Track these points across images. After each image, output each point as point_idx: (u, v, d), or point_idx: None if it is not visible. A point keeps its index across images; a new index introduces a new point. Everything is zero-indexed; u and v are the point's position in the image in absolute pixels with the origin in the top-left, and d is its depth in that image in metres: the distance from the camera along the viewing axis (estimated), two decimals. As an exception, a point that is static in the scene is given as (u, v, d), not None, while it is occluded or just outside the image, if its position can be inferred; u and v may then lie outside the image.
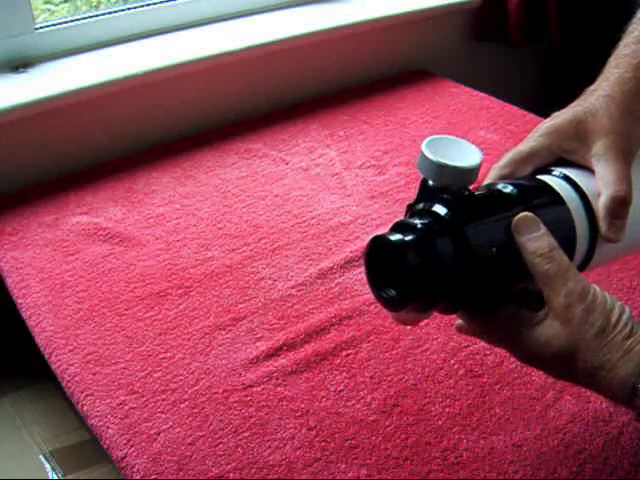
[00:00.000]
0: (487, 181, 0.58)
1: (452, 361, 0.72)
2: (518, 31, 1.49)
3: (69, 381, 0.72)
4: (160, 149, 1.15)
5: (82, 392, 0.70)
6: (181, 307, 0.81)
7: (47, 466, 1.08)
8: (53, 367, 0.75)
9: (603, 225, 0.53)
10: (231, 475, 0.61)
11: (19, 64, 1.10)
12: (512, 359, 0.73)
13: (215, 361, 0.73)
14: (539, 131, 0.59)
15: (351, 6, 1.36)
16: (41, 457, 1.10)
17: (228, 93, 1.25)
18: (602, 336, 0.46)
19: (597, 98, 0.59)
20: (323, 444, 0.64)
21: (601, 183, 0.54)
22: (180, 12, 1.25)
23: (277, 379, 0.71)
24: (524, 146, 0.58)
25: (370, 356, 0.74)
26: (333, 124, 1.22)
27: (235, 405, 0.68)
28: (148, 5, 1.23)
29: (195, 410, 0.68)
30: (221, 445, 0.64)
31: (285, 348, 0.75)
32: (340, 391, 0.69)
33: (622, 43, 0.63)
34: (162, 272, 0.86)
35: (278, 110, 1.27)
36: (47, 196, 1.03)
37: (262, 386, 0.70)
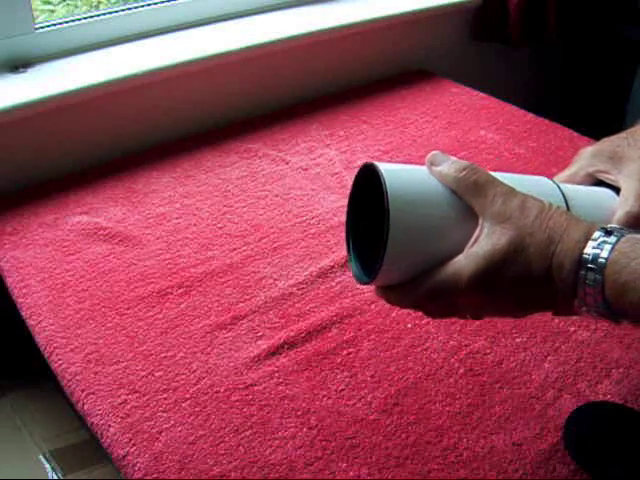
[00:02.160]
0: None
1: (452, 360, 0.73)
2: (518, 31, 1.49)
3: (70, 380, 0.72)
4: (160, 149, 1.15)
5: (83, 391, 0.70)
6: (182, 306, 0.81)
7: (47, 466, 1.09)
8: (53, 367, 0.75)
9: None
10: (232, 474, 0.61)
11: (19, 64, 1.10)
12: (512, 358, 0.73)
13: (216, 360, 0.73)
14: (577, 156, 0.65)
15: (351, 6, 1.36)
16: (41, 457, 1.10)
17: (228, 93, 1.25)
18: (542, 215, 0.49)
19: (632, 135, 0.64)
20: (324, 443, 0.64)
21: (621, 199, 0.61)
22: (180, 12, 1.25)
23: (278, 378, 0.71)
24: (566, 171, 0.65)
25: (371, 355, 0.74)
26: (333, 124, 1.22)
27: (236, 404, 0.68)
28: (148, 5, 1.23)
29: (196, 409, 0.68)
30: (222, 444, 0.64)
31: (286, 347, 0.75)
32: (341, 390, 0.70)
33: None
34: (163, 271, 0.86)
35: (278, 110, 1.27)
36: (47, 196, 1.03)
37: (263, 385, 0.70)
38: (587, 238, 0.48)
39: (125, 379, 0.71)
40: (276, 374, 0.71)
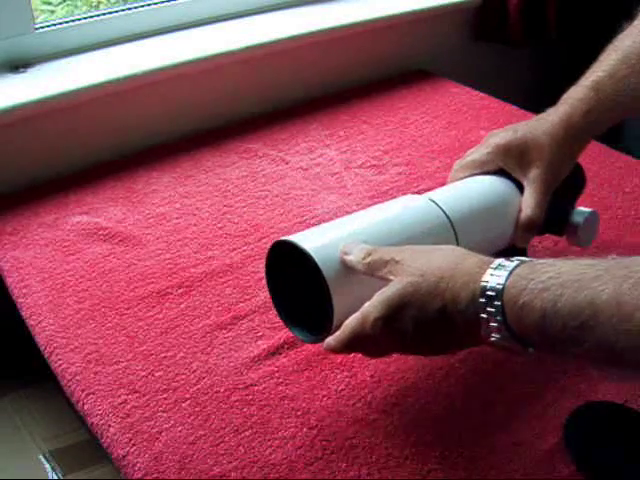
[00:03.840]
0: (450, 180, 0.76)
1: (452, 360, 0.72)
2: (518, 31, 1.49)
3: (70, 380, 0.72)
4: (160, 149, 1.15)
5: (83, 391, 0.70)
6: (182, 306, 0.81)
7: (47, 466, 1.08)
8: (53, 367, 0.75)
9: (519, 233, 0.71)
10: (232, 474, 0.61)
11: (19, 64, 1.10)
12: (513, 359, 0.73)
13: (216, 360, 0.73)
14: (489, 147, 0.74)
15: (351, 6, 1.36)
16: (41, 457, 1.10)
17: (228, 93, 1.25)
18: (433, 257, 0.55)
19: (544, 132, 0.72)
20: (324, 443, 0.64)
21: (525, 204, 0.70)
22: (180, 12, 1.25)
23: (278, 378, 0.71)
24: (476, 156, 0.74)
25: (371, 355, 0.74)
26: (333, 124, 1.22)
27: (236, 404, 0.68)
28: (148, 5, 1.23)
29: (196, 409, 0.68)
30: (222, 444, 0.64)
31: (286, 347, 0.75)
32: (341, 390, 0.70)
33: (585, 78, 0.74)
34: (163, 271, 0.86)
35: (278, 110, 1.27)
36: (47, 196, 1.03)
37: (263, 385, 0.70)
38: (483, 268, 0.51)
39: (125, 379, 0.71)
40: (276, 374, 0.71)
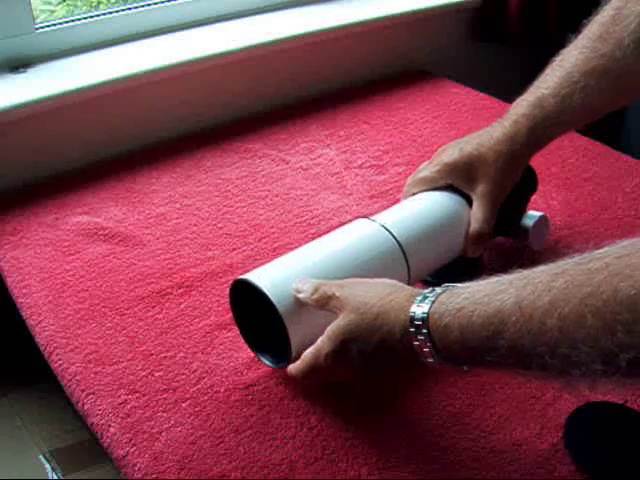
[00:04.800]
0: (404, 195, 0.82)
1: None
2: (518, 31, 1.49)
3: (70, 380, 0.72)
4: (160, 149, 1.15)
5: (83, 391, 0.70)
6: (182, 306, 0.81)
7: (47, 466, 1.09)
8: (53, 367, 0.75)
9: (468, 245, 0.76)
10: (232, 474, 0.61)
11: (19, 64, 1.10)
12: (512, 358, 0.73)
13: (216, 360, 0.73)
14: (437, 165, 0.78)
15: (351, 6, 1.36)
16: (41, 457, 1.10)
17: (228, 93, 1.25)
18: (369, 294, 0.60)
19: (489, 149, 0.76)
20: (324, 443, 0.64)
21: (473, 218, 0.76)
22: (180, 12, 1.25)
23: (278, 378, 0.71)
24: (427, 174, 0.79)
25: (371, 355, 0.74)
26: (333, 124, 1.22)
27: (236, 404, 0.68)
28: (148, 5, 1.23)
29: (197, 409, 0.68)
30: (222, 444, 0.64)
31: (286, 347, 0.75)
32: (341, 390, 0.69)
33: (531, 92, 0.78)
34: (163, 271, 0.86)
35: (278, 110, 1.27)
36: (47, 196, 1.03)
37: (263, 385, 0.70)
38: (410, 300, 0.56)
39: (125, 379, 0.71)
40: (276, 374, 0.71)
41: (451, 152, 0.78)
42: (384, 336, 0.57)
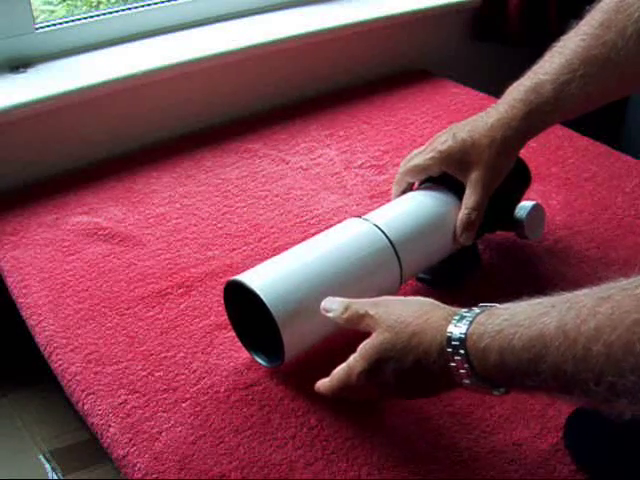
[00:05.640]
0: (396, 182, 0.82)
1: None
2: (518, 31, 1.49)
3: (70, 380, 0.72)
4: (160, 149, 1.15)
5: (83, 391, 0.70)
6: (182, 306, 0.81)
7: (47, 466, 1.09)
8: (53, 367, 0.75)
9: (458, 231, 0.76)
10: (232, 474, 0.61)
11: (19, 64, 1.10)
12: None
13: (216, 360, 0.73)
14: (431, 152, 0.78)
15: (351, 6, 1.36)
16: (41, 457, 1.10)
17: (228, 93, 1.25)
18: (405, 314, 0.59)
19: (483, 135, 0.75)
20: (324, 443, 0.64)
21: (464, 203, 0.75)
22: (180, 12, 1.25)
23: (278, 378, 0.71)
24: (420, 161, 0.78)
25: (371, 355, 0.74)
26: (333, 124, 1.22)
27: (236, 404, 0.68)
28: (148, 5, 1.23)
29: (197, 409, 0.68)
30: (222, 444, 0.64)
31: (286, 347, 0.75)
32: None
33: (528, 77, 0.77)
34: (163, 272, 0.86)
35: (278, 110, 1.27)
36: (47, 196, 1.03)
37: (263, 385, 0.70)
38: (448, 319, 0.55)
39: (125, 379, 0.71)
40: (276, 374, 0.71)
41: (444, 139, 0.77)
42: (420, 356, 0.56)
